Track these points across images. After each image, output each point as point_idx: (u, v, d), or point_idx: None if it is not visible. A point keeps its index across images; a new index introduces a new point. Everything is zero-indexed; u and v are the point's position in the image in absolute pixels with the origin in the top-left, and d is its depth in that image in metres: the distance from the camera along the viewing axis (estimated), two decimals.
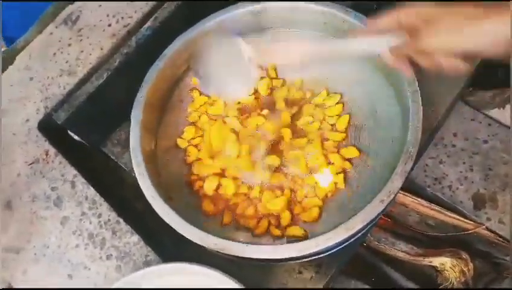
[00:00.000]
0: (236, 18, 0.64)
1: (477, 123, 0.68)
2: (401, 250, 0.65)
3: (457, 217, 0.63)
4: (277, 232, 0.53)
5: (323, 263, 0.55)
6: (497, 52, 0.39)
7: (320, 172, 0.56)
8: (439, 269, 0.63)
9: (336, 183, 0.55)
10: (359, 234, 0.50)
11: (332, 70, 0.62)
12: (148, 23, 0.67)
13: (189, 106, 0.64)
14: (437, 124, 0.61)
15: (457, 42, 0.41)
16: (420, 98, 0.51)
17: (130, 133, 0.55)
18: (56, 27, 0.71)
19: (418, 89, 0.52)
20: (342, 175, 0.55)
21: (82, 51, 0.69)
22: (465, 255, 0.62)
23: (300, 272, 0.55)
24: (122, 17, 0.70)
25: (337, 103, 0.60)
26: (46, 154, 0.62)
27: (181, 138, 0.61)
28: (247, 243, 0.47)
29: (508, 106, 0.68)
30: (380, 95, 0.57)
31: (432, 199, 0.65)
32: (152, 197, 0.51)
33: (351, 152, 0.57)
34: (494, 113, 0.69)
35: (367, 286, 0.61)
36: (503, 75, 0.75)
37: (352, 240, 0.51)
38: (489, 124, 0.68)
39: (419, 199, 0.65)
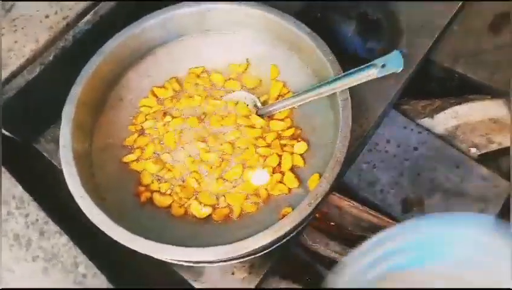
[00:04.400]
0: (179, 18, 0.64)
1: (409, 131, 0.72)
2: (334, 251, 0.67)
3: (387, 219, 0.66)
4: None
5: (256, 263, 0.56)
6: None
7: (258, 169, 0.58)
8: None
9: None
10: (289, 236, 0.52)
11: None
12: (88, 17, 0.65)
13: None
14: (370, 130, 0.64)
15: None
16: (350, 106, 0.54)
17: (60, 131, 0.54)
18: None
19: (349, 97, 0.54)
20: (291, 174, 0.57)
21: (16, 42, 0.65)
22: None
23: (233, 273, 0.55)
24: (61, 9, 0.67)
25: None
26: None
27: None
28: (176, 245, 0.47)
29: (436, 116, 0.72)
30: (316, 102, 0.59)
31: (365, 202, 0.68)
32: (81, 198, 0.50)
33: (300, 148, 0.58)
34: (425, 122, 0.73)
35: (300, 287, 0.63)
36: (435, 87, 0.80)
37: (284, 241, 0.52)
38: (420, 132, 0.72)
39: (353, 202, 0.67)
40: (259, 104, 0.63)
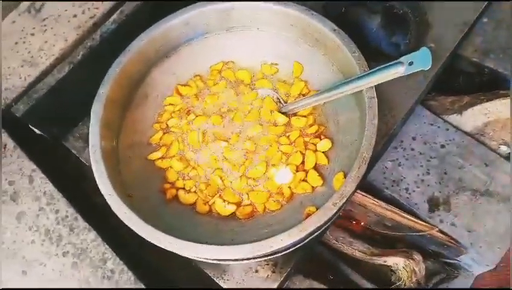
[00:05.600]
0: (203, 15, 0.64)
1: (436, 128, 0.70)
2: (358, 249, 0.67)
3: (413, 218, 0.65)
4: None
5: (279, 262, 0.56)
6: None
7: (281, 168, 0.58)
8: (392, 268, 0.65)
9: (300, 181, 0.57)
10: (313, 235, 0.52)
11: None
12: (114, 16, 0.66)
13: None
14: (395, 128, 0.63)
15: None
16: (377, 104, 0.53)
17: (90, 129, 0.55)
18: (19, 15, 0.69)
19: (375, 95, 0.53)
20: (315, 172, 0.57)
21: (46, 42, 0.67)
22: (417, 256, 0.65)
23: (256, 271, 0.56)
24: (89, 8, 0.68)
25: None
26: (4, 148, 0.60)
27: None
28: (200, 242, 0.47)
29: (464, 112, 0.70)
30: (341, 100, 0.58)
31: (390, 201, 0.67)
32: (110, 196, 0.51)
33: (324, 145, 0.58)
34: (452, 118, 0.71)
35: (323, 286, 0.63)
36: (463, 82, 0.78)
37: (307, 240, 0.52)
38: (447, 129, 0.70)
39: (377, 200, 0.67)
40: (282, 102, 0.63)
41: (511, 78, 0.70)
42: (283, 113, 0.62)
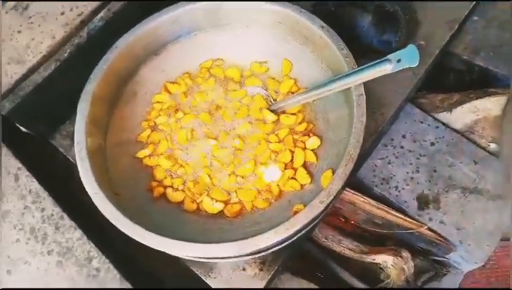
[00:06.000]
0: (192, 13, 0.63)
1: (426, 126, 0.70)
2: (347, 247, 0.67)
3: (402, 216, 0.65)
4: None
5: (267, 260, 0.56)
6: None
7: (270, 165, 0.57)
8: (381, 266, 0.65)
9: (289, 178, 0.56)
10: (301, 233, 0.51)
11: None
12: (101, 14, 0.65)
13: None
14: (385, 126, 0.63)
15: None
16: (365, 101, 0.53)
17: (75, 127, 0.54)
18: (6, 12, 0.68)
19: (364, 92, 0.53)
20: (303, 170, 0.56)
21: (33, 39, 0.66)
22: (406, 254, 0.65)
23: (244, 269, 0.55)
24: (77, 6, 0.68)
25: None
26: None
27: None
28: (188, 240, 0.47)
29: (454, 110, 0.70)
30: (330, 97, 0.58)
31: (379, 199, 0.67)
32: (95, 194, 0.50)
33: (313, 143, 0.58)
34: (442, 116, 0.71)
35: (312, 285, 0.63)
36: (453, 80, 0.78)
37: (295, 238, 0.52)
38: (437, 127, 0.70)
39: (367, 198, 0.67)
40: (271, 100, 0.62)
41: (511, 78, 0.70)
42: (272, 111, 0.61)
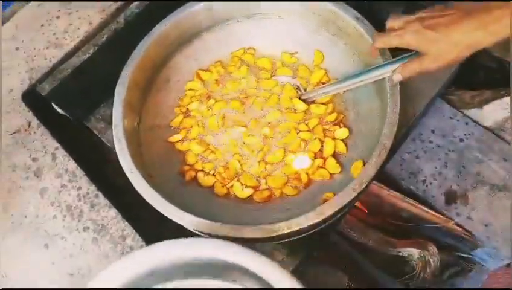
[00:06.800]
0: (225, 2, 0.64)
1: (455, 121, 0.70)
2: (372, 239, 0.67)
3: (429, 210, 0.65)
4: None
5: (295, 246, 0.56)
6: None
7: (300, 154, 0.58)
8: (407, 259, 0.65)
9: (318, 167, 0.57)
10: (331, 220, 0.52)
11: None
12: (138, 1, 0.67)
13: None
14: (415, 120, 0.63)
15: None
16: (399, 92, 0.53)
17: (113, 110, 0.56)
18: None
19: (398, 83, 0.53)
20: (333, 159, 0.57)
21: (70, 24, 0.69)
22: (432, 247, 0.65)
23: (272, 254, 0.56)
24: None
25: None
26: (29, 125, 0.62)
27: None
28: (223, 222, 0.48)
29: (485, 107, 0.69)
30: (362, 88, 0.58)
31: (406, 192, 0.67)
32: (131, 173, 0.52)
33: (342, 133, 0.58)
34: (472, 113, 0.70)
35: (340, 273, 0.63)
36: (484, 77, 0.77)
37: (324, 225, 0.53)
38: (467, 123, 0.70)
39: (394, 192, 0.67)
40: (302, 90, 0.63)
41: (511, 77, 0.69)
42: (302, 100, 0.62)
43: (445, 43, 0.44)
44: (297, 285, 0.30)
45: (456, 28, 0.43)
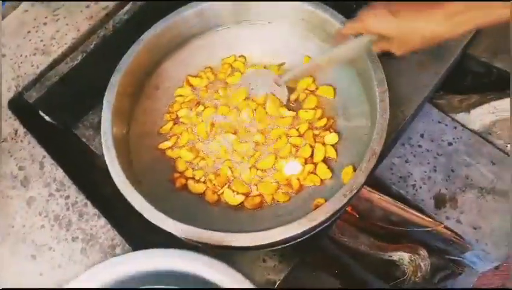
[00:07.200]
0: (215, 8, 0.64)
1: (444, 126, 0.71)
2: (363, 243, 0.67)
3: (419, 214, 0.65)
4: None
5: (287, 252, 0.56)
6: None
7: (291, 160, 0.58)
8: (397, 263, 0.66)
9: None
10: (322, 226, 0.52)
11: None
12: (127, 7, 0.66)
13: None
14: (404, 124, 0.63)
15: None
16: (388, 98, 0.53)
17: (102, 116, 0.55)
18: (32, 5, 0.70)
19: (387, 89, 0.54)
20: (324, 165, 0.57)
21: (58, 31, 0.68)
22: (422, 251, 0.65)
23: (264, 261, 0.56)
24: None
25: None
26: (15, 133, 0.61)
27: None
28: (213, 230, 0.48)
29: (472, 111, 0.70)
30: (351, 94, 0.58)
31: (396, 197, 0.67)
32: (120, 181, 0.51)
33: (332, 138, 0.59)
34: (460, 117, 0.71)
35: (332, 279, 0.63)
36: (472, 82, 0.78)
37: (316, 231, 0.53)
38: (455, 127, 0.70)
39: (384, 196, 0.67)
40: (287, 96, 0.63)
41: (511, 77, 0.70)
42: (289, 108, 0.62)
43: (408, 30, 0.44)
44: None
45: (420, 16, 0.43)
